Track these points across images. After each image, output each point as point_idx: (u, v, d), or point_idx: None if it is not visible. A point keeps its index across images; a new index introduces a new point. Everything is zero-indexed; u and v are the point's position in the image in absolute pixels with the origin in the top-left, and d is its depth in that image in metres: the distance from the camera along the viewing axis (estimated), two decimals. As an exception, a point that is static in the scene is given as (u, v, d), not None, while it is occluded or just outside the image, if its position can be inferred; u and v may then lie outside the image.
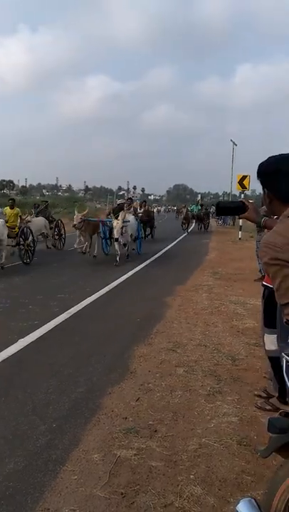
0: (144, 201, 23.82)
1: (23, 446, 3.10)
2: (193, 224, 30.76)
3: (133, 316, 6.71)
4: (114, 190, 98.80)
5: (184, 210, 29.81)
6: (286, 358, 2.11)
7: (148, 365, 4.64)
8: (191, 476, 2.78)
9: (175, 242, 19.98)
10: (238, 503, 1.96)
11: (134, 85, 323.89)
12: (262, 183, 2.08)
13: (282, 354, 2.19)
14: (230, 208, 2.86)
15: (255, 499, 1.98)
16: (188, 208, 32.02)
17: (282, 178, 1.97)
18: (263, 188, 2.07)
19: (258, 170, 2.09)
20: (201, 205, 32.10)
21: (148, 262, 12.98)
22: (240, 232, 21.24)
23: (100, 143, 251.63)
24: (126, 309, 7.17)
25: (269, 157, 2.07)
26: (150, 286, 9.26)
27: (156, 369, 4.52)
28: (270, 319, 3.64)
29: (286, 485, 2.00)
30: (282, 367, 2.11)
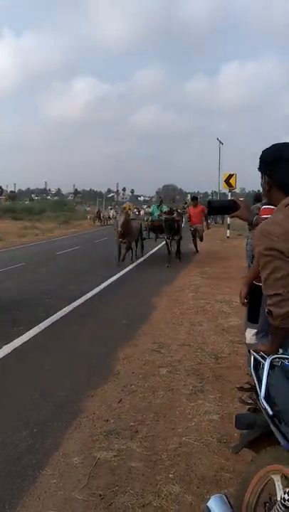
0: None
1: (3, 452, 3.09)
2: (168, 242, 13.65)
3: (119, 317, 6.72)
4: (103, 192, 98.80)
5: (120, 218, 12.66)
6: (254, 355, 2.14)
7: (132, 366, 4.65)
8: (170, 475, 2.81)
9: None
10: (209, 499, 1.99)
11: (123, 86, 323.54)
12: (263, 170, 2.07)
13: (250, 351, 2.23)
14: (221, 207, 2.87)
15: (226, 496, 2.00)
16: (144, 210, 22.95)
17: (283, 166, 1.96)
18: (264, 176, 2.06)
19: (260, 156, 2.08)
20: (195, 198, 16.89)
21: None
22: (228, 231, 21.32)
23: (89, 145, 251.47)
24: (113, 310, 7.18)
25: (272, 144, 2.06)
26: (137, 287, 9.26)
27: (139, 370, 4.54)
28: (253, 314, 3.71)
29: (257, 478, 2.02)
30: (249, 362, 2.14)
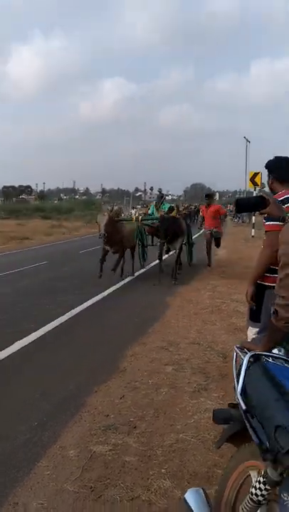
0: None
1: (1, 444, 3.19)
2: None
3: (132, 315, 6.78)
4: (130, 191, 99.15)
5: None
6: (235, 350, 2.17)
7: (138, 363, 4.69)
8: (163, 471, 2.83)
9: None
10: (186, 492, 2.02)
11: (150, 85, 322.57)
12: None
13: (234, 347, 2.25)
14: (249, 205, 2.86)
15: (203, 489, 2.03)
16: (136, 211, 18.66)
17: None
18: None
19: None
20: (208, 195, 12.62)
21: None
22: (253, 230, 21.08)
23: (117, 145, 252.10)
24: (125, 310, 7.26)
25: None
26: (151, 287, 9.29)
27: (145, 367, 4.57)
28: (255, 313, 3.72)
29: (237, 474, 2.04)
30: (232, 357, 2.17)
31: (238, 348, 2.20)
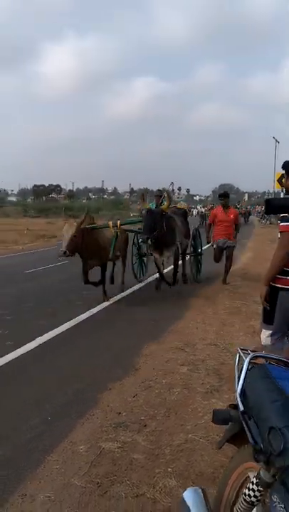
0: None
1: (16, 436, 3.29)
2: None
3: (149, 316, 6.85)
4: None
5: None
6: (239, 352, 2.18)
7: (153, 363, 4.73)
8: (169, 469, 2.86)
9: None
10: (185, 491, 2.04)
11: (180, 85, 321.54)
12: None
13: (237, 348, 2.27)
14: (280, 206, 2.87)
15: (202, 489, 2.05)
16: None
17: None
18: None
19: None
20: (224, 195, 9.75)
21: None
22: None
23: (146, 144, 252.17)
24: (143, 309, 7.33)
25: None
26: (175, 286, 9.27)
27: (160, 367, 4.60)
28: (268, 315, 3.72)
29: (236, 475, 2.06)
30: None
31: (241, 349, 2.22)
